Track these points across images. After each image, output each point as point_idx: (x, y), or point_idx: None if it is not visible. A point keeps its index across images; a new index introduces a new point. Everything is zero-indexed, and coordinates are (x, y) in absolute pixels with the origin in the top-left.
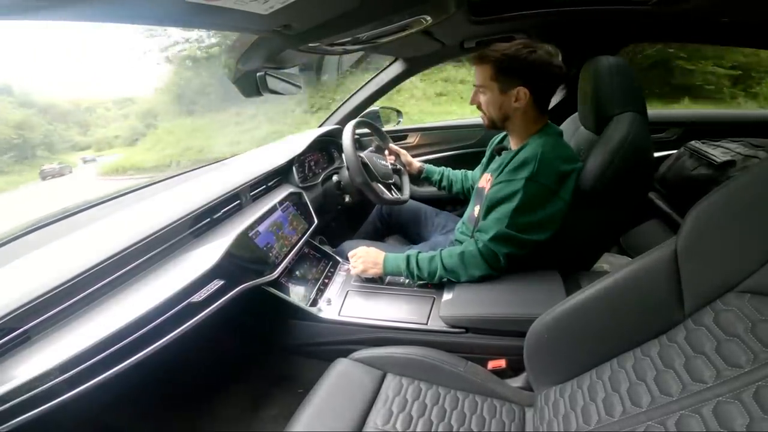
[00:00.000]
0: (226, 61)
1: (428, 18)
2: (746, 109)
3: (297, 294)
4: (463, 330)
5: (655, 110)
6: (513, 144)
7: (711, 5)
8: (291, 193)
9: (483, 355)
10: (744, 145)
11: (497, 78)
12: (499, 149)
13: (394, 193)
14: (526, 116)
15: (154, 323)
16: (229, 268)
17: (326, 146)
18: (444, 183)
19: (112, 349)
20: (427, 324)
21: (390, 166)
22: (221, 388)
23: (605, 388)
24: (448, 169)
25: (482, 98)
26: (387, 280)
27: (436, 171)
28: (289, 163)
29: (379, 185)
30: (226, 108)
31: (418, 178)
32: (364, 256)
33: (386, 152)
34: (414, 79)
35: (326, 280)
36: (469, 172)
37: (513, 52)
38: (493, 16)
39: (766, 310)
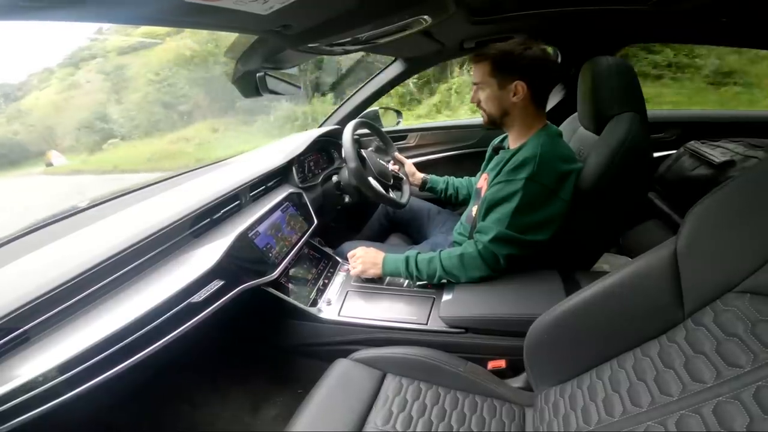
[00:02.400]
0: None
1: (428, 18)
2: None
3: (297, 294)
4: (463, 330)
5: (655, 110)
6: (511, 143)
7: (710, 5)
8: (291, 194)
9: (483, 355)
10: (743, 145)
11: (495, 74)
12: (497, 148)
13: (392, 193)
14: (525, 112)
15: (153, 323)
16: (228, 269)
17: (326, 147)
18: (450, 191)
19: (112, 350)
20: (427, 324)
21: (390, 168)
22: (221, 389)
23: (605, 388)
24: (452, 177)
25: (481, 95)
26: (387, 281)
27: (441, 180)
28: (289, 164)
29: (377, 182)
30: None
31: (422, 189)
32: (364, 257)
33: (391, 161)
34: None
35: (326, 281)
36: (473, 179)
37: (509, 48)
38: (493, 16)
39: (766, 310)
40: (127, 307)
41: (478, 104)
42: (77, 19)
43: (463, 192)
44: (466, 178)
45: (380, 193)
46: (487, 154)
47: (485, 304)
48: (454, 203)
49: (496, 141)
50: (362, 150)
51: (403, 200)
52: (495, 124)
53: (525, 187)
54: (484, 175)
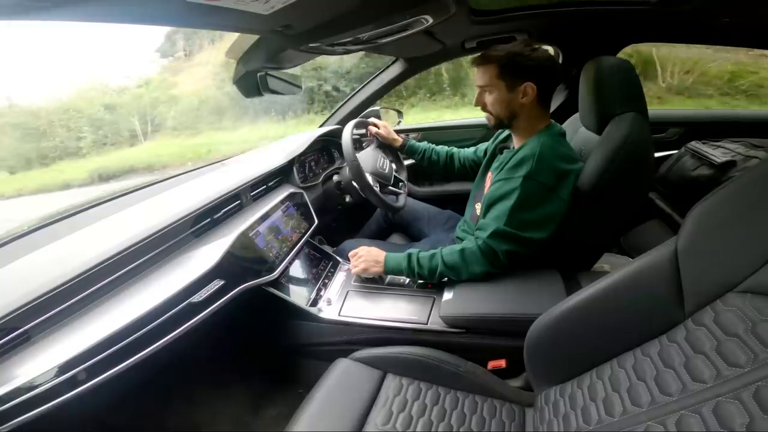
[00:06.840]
0: None
1: (429, 18)
2: None
3: (297, 294)
4: (463, 330)
5: (657, 110)
6: (516, 143)
7: (712, 5)
8: (291, 193)
9: (483, 355)
10: (744, 146)
11: (503, 76)
12: (501, 148)
13: (397, 200)
14: (532, 113)
15: (154, 323)
16: (229, 269)
17: (326, 146)
18: (425, 163)
19: (113, 349)
20: (427, 324)
21: (391, 167)
22: (221, 388)
23: (605, 388)
24: (432, 146)
25: (488, 98)
26: (387, 280)
27: (419, 148)
28: (290, 163)
29: (376, 184)
30: None
31: (402, 151)
32: (365, 256)
33: (392, 161)
34: None
35: (326, 280)
36: (455, 150)
37: (518, 50)
38: (494, 16)
39: (767, 310)
40: (127, 307)
41: (484, 107)
42: (79, 18)
43: (440, 165)
44: (448, 149)
45: (379, 197)
46: (489, 151)
47: (485, 303)
48: (438, 169)
49: (501, 135)
50: (363, 149)
51: (399, 204)
52: (502, 126)
53: (523, 185)
54: (489, 174)
